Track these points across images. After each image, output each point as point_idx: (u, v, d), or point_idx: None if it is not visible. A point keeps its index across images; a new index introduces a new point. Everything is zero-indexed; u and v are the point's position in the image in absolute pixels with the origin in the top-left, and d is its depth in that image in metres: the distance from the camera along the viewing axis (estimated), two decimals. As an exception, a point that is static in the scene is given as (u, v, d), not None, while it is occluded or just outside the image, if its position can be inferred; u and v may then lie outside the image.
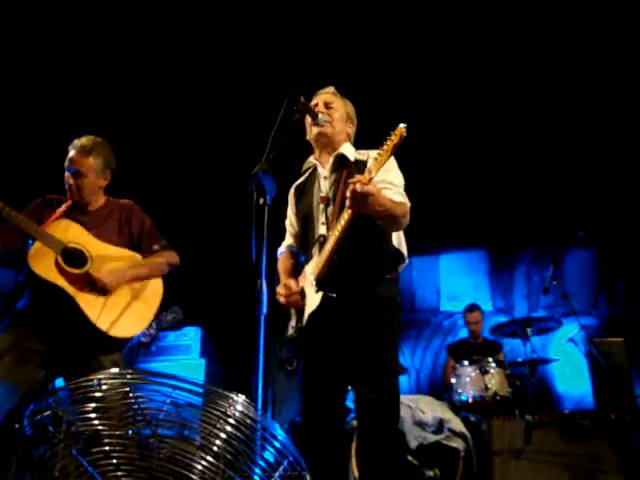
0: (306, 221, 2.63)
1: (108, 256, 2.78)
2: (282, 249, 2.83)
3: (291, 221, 2.82)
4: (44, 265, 2.62)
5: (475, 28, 4.90)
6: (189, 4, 4.88)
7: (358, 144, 2.76)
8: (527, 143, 5.44)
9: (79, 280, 2.68)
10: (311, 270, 2.48)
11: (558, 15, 4.73)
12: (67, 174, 2.85)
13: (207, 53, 5.18)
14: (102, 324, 2.66)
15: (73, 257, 2.69)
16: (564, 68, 5.05)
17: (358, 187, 2.15)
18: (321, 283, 2.40)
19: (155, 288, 2.91)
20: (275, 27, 4.98)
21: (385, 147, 2.23)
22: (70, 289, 2.64)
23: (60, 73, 5.09)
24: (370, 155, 2.61)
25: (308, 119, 2.62)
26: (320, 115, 2.58)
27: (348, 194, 2.20)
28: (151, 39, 5.03)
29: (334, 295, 2.37)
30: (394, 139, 2.22)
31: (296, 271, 2.70)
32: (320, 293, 2.38)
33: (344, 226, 2.31)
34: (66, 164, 2.86)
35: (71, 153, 2.85)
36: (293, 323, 2.54)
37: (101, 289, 2.71)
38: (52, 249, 2.65)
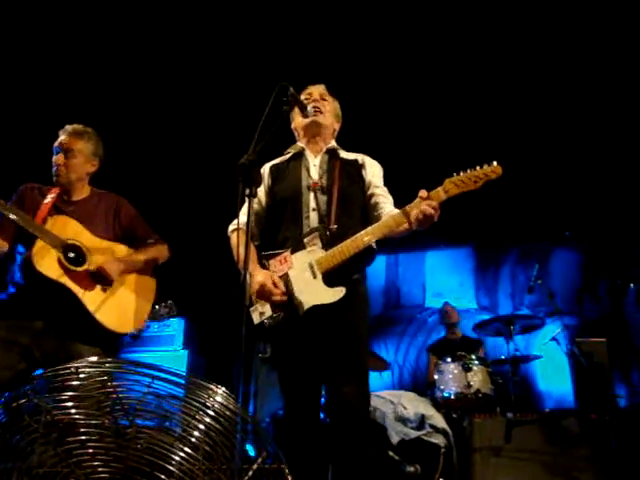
0: (286, 204, 2.58)
1: (102, 250, 2.79)
2: (241, 226, 2.52)
3: (259, 198, 2.67)
4: (47, 264, 2.61)
5: (464, 25, 4.91)
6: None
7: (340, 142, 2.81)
8: (514, 142, 5.45)
9: (81, 277, 2.68)
10: (313, 260, 2.41)
11: (547, 14, 4.75)
12: (56, 155, 2.85)
13: (196, 44, 5.14)
14: (106, 320, 2.69)
15: (72, 254, 2.70)
16: (554, 69, 5.07)
17: (435, 211, 2.24)
18: (330, 277, 2.37)
19: (150, 285, 2.96)
20: (264, 18, 4.95)
21: (474, 178, 2.25)
22: (75, 287, 2.65)
23: (46, 66, 5.04)
24: (365, 159, 2.69)
25: (295, 108, 2.57)
26: (309, 107, 2.58)
27: (420, 217, 2.24)
28: (138, 30, 4.98)
29: (344, 289, 2.35)
30: (490, 174, 2.25)
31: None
32: (341, 288, 2.34)
33: (379, 234, 2.36)
34: (55, 145, 2.86)
35: (62, 136, 2.87)
36: (264, 310, 2.45)
37: (103, 283, 2.73)
38: (53, 247, 2.64)
